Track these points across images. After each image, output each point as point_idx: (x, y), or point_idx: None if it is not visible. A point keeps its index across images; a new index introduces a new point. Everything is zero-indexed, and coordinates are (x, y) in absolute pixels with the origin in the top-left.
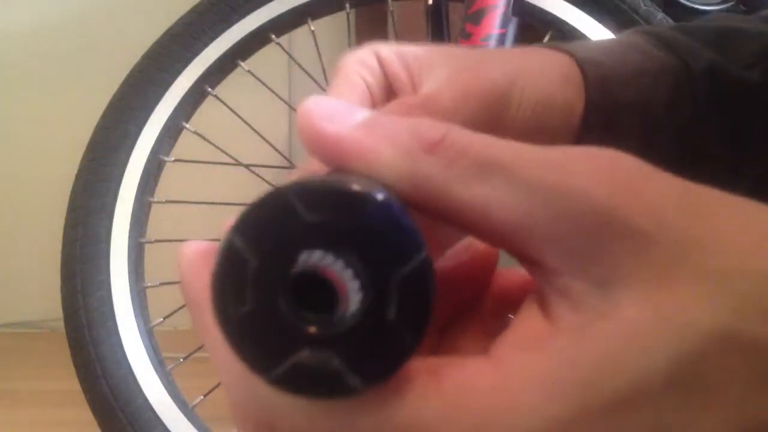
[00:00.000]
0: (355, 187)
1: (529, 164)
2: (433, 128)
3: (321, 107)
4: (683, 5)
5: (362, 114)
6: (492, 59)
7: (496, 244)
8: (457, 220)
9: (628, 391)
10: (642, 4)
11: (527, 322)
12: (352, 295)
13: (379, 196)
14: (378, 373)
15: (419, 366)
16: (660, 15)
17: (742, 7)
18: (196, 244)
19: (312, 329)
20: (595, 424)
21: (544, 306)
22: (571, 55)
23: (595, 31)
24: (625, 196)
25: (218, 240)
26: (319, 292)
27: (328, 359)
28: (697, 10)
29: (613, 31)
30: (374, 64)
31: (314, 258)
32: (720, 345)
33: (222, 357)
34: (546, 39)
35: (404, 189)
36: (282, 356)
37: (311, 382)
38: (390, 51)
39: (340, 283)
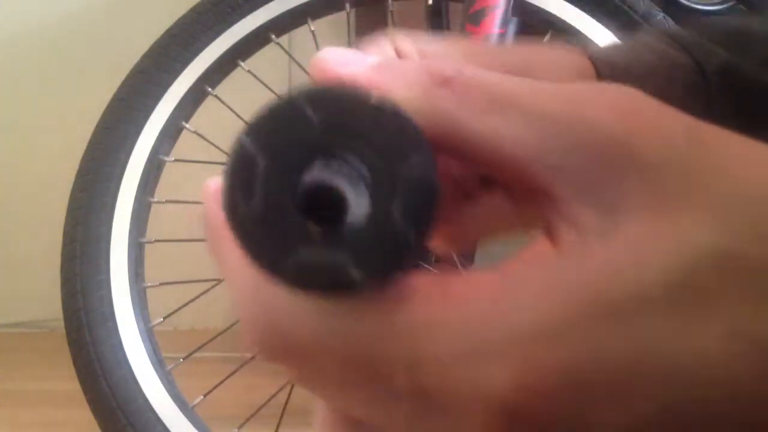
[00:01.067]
0: (363, 90)
1: (542, 97)
2: (446, 66)
3: (335, 54)
4: (683, 5)
5: (376, 59)
6: (508, 49)
7: (508, 176)
8: (470, 153)
9: (624, 300)
10: (642, 4)
11: (534, 248)
12: (359, 198)
13: (387, 99)
14: (382, 268)
15: (428, 278)
16: (660, 15)
17: (742, 7)
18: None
19: (319, 229)
20: (591, 329)
21: (551, 234)
22: (585, 52)
23: (595, 31)
24: (635, 128)
25: None
26: (326, 203)
27: (334, 255)
28: (697, 10)
29: (613, 31)
30: (393, 56)
31: (322, 162)
32: (714, 261)
33: (236, 274)
34: (546, 39)
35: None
36: (288, 250)
37: (316, 277)
38: (411, 47)
39: (346, 187)
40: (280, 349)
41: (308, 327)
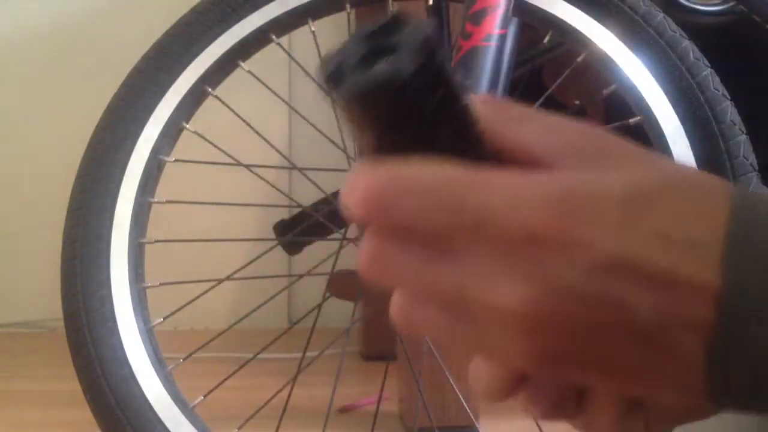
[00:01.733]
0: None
1: (542, 117)
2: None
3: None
4: (683, 6)
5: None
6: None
7: (526, 160)
8: (504, 147)
9: (586, 191)
10: (642, 5)
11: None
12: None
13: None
14: (415, 59)
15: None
16: (660, 16)
17: (742, 7)
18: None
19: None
20: (570, 200)
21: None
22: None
23: (595, 31)
24: (605, 138)
25: (217, 240)
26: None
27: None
28: (697, 10)
29: (613, 32)
30: None
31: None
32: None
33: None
34: (546, 39)
35: None
36: (361, 71)
37: (380, 83)
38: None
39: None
40: (386, 196)
41: (409, 178)
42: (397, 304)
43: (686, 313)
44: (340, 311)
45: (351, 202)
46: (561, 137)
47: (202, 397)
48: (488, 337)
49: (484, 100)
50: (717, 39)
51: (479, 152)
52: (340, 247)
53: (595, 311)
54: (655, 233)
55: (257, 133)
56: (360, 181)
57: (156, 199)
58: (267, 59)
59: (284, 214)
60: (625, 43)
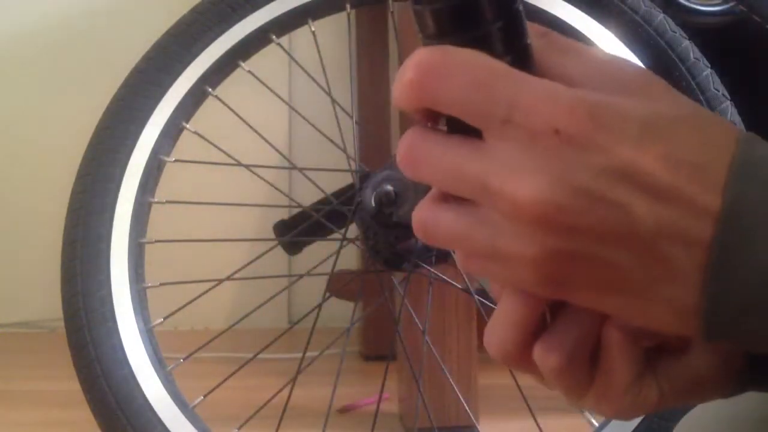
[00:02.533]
0: None
1: (588, 50)
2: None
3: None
4: (683, 6)
5: None
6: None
7: (563, 83)
8: (548, 75)
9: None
10: (642, 5)
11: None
12: None
13: None
14: None
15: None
16: (660, 16)
17: (742, 8)
18: None
19: None
20: (596, 108)
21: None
22: None
23: (595, 31)
24: (638, 73)
25: (217, 240)
26: None
27: None
28: (697, 10)
29: (614, 32)
30: None
31: None
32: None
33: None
34: None
35: None
36: None
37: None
38: None
39: None
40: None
41: (457, 58)
42: (421, 209)
43: (685, 229)
44: (340, 311)
45: (404, 74)
46: (599, 69)
47: (202, 397)
48: (501, 239)
49: (535, 31)
50: (717, 39)
51: (530, 73)
52: (340, 247)
53: (600, 212)
54: (667, 153)
55: (257, 133)
56: (415, 57)
57: (156, 199)
58: (267, 59)
59: (284, 214)
60: (625, 43)
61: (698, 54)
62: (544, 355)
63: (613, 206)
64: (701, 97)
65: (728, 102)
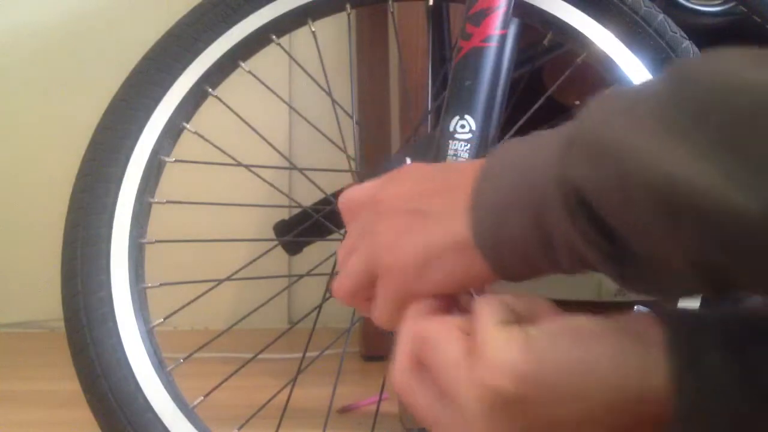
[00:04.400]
0: None
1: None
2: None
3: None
4: (683, 6)
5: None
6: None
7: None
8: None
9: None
10: (642, 5)
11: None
12: None
13: None
14: None
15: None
16: (660, 16)
17: (742, 8)
18: None
19: None
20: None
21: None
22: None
23: (595, 31)
24: None
25: (217, 240)
26: None
27: None
28: (697, 10)
29: (614, 32)
30: None
31: None
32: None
33: None
34: (546, 40)
35: None
36: None
37: None
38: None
39: None
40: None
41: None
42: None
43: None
44: (340, 311)
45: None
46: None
47: (202, 398)
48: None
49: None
50: (717, 39)
51: None
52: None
53: None
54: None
55: (257, 133)
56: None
57: (156, 200)
58: (267, 59)
59: (284, 214)
60: (625, 43)
61: (698, 54)
62: (334, 291)
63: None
64: None
65: None
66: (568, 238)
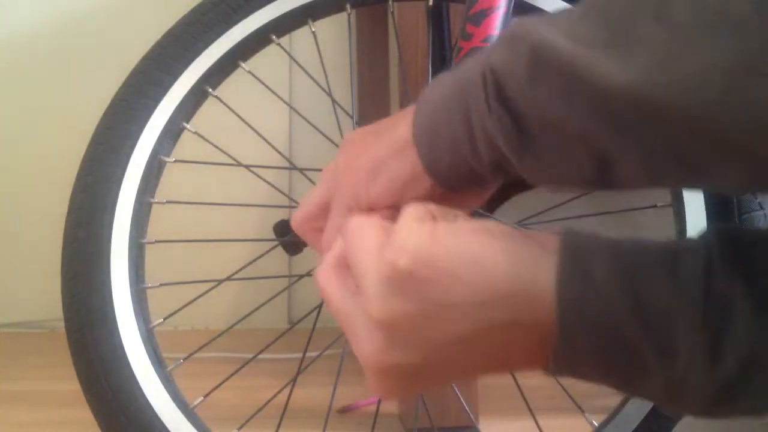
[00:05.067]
0: None
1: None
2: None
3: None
4: None
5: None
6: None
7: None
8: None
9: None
10: None
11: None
12: None
13: None
14: None
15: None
16: None
17: None
18: None
19: None
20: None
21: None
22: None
23: None
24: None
25: (217, 240)
26: None
27: None
28: None
29: None
30: None
31: None
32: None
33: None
34: None
35: None
36: None
37: None
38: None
39: None
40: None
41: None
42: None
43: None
44: None
45: None
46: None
47: (203, 398)
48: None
49: None
50: None
51: None
52: None
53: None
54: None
55: (257, 133)
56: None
57: (156, 200)
58: (267, 59)
59: (284, 214)
60: None
61: None
62: (292, 221)
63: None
64: None
65: None
66: (484, 123)
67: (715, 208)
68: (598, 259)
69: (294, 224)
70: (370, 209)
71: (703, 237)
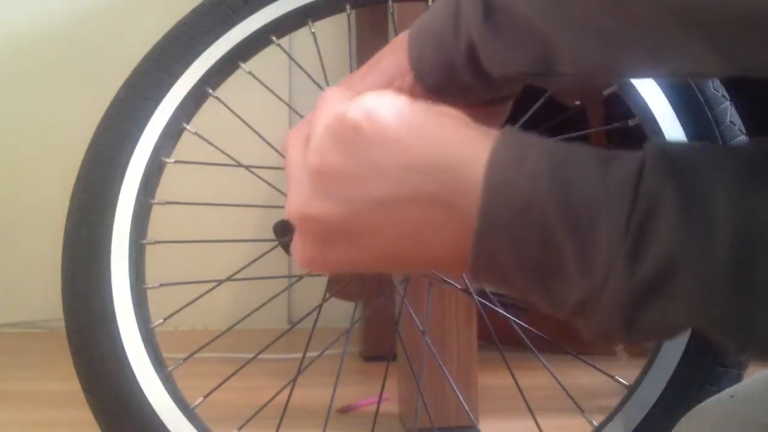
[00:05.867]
0: None
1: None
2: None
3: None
4: None
5: None
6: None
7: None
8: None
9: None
10: None
11: None
12: None
13: None
14: None
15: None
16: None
17: None
18: None
19: None
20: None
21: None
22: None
23: None
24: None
25: (217, 241)
26: None
27: None
28: None
29: None
30: None
31: None
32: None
33: None
34: None
35: None
36: None
37: None
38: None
39: None
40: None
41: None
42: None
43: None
44: (340, 311)
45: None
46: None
47: (203, 398)
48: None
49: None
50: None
51: None
52: None
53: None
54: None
55: (257, 133)
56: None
57: (156, 200)
58: (267, 60)
59: (284, 215)
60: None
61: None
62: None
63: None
64: (701, 98)
65: (728, 102)
66: (466, 12)
67: (689, 118)
68: (534, 151)
69: (283, 143)
70: None
71: (642, 149)
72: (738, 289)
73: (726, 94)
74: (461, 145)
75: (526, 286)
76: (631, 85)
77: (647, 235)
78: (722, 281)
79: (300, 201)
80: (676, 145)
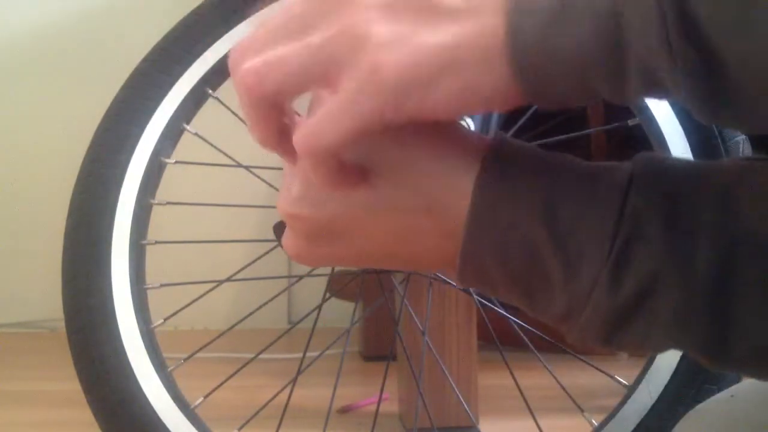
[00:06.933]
0: None
1: None
2: None
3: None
4: None
5: None
6: None
7: None
8: None
9: None
10: None
11: None
12: None
13: None
14: None
15: None
16: None
17: None
18: None
19: None
20: None
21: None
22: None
23: None
24: None
25: (217, 241)
26: None
27: None
28: None
29: None
30: None
31: None
32: None
33: None
34: None
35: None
36: None
37: None
38: None
39: None
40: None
41: None
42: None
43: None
44: (340, 311)
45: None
46: None
47: (203, 398)
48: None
49: None
50: None
51: None
52: None
53: None
54: None
55: None
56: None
57: (156, 201)
58: None
59: None
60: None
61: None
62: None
63: None
64: None
65: None
66: (655, 61)
67: (689, 118)
68: (519, 168)
69: (253, 93)
70: (412, 119)
71: (629, 162)
72: (717, 309)
73: None
74: (449, 161)
75: (510, 296)
76: None
77: (630, 255)
78: (703, 301)
79: (289, 200)
80: (661, 161)
